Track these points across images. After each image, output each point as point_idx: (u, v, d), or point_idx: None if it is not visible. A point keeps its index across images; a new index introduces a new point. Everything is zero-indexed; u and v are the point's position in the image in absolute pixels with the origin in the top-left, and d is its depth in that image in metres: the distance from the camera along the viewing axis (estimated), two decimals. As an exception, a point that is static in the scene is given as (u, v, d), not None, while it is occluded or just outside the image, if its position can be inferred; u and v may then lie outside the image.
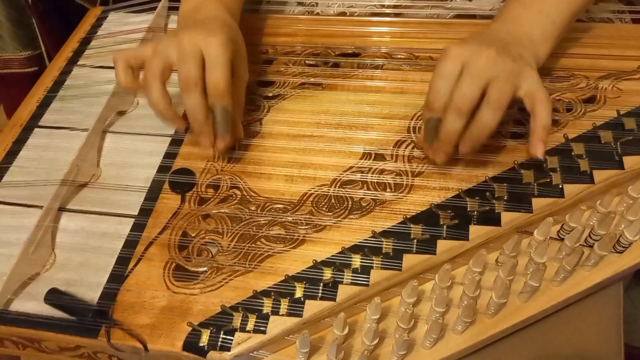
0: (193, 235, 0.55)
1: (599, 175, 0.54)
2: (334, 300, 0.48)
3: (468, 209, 0.53)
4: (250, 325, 0.48)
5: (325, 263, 0.51)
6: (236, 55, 0.56)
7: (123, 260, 0.53)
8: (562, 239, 0.51)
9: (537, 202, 0.53)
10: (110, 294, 0.51)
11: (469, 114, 0.51)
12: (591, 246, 0.51)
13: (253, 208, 0.56)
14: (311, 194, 0.57)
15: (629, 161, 0.55)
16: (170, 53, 0.54)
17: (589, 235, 0.52)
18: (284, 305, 0.49)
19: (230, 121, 0.56)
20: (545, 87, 0.63)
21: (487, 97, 0.51)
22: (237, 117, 0.59)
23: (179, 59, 0.53)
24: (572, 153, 0.56)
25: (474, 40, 0.54)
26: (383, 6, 0.76)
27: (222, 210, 0.56)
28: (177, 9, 0.79)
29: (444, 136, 0.53)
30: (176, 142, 0.63)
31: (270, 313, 0.48)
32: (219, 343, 0.47)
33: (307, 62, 0.71)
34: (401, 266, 0.50)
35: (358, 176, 0.58)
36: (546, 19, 0.58)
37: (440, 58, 0.52)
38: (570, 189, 0.54)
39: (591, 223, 0.53)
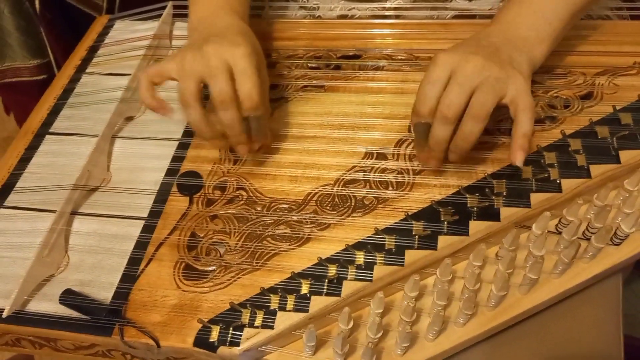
0: (201, 235, 0.56)
1: (596, 169, 0.55)
2: (339, 295, 0.50)
3: (468, 205, 0.55)
4: (258, 321, 0.49)
5: (330, 260, 0.52)
6: (259, 63, 0.57)
7: (134, 261, 0.55)
8: (560, 233, 0.52)
9: (535, 197, 0.54)
10: (122, 293, 0.53)
11: (455, 121, 0.52)
12: (588, 239, 0.52)
13: (259, 208, 0.58)
14: (315, 193, 0.58)
15: (625, 155, 0.56)
16: (198, 69, 0.54)
17: (587, 229, 0.53)
18: (291, 301, 0.50)
19: (265, 126, 0.58)
20: (543, 84, 0.65)
21: (470, 108, 0.51)
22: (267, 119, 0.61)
23: (209, 75, 0.54)
24: (570, 149, 0.58)
25: (464, 46, 0.55)
26: (384, 8, 0.77)
27: (229, 211, 0.58)
28: (182, 16, 0.81)
29: (432, 143, 0.54)
30: (183, 145, 0.65)
31: (277, 309, 0.50)
32: (229, 338, 0.49)
33: (309, 64, 0.72)
34: (403, 262, 0.51)
35: (361, 175, 0.59)
36: (542, 20, 0.58)
37: (430, 65, 0.54)
38: (567, 184, 0.55)
39: (588, 216, 0.54)
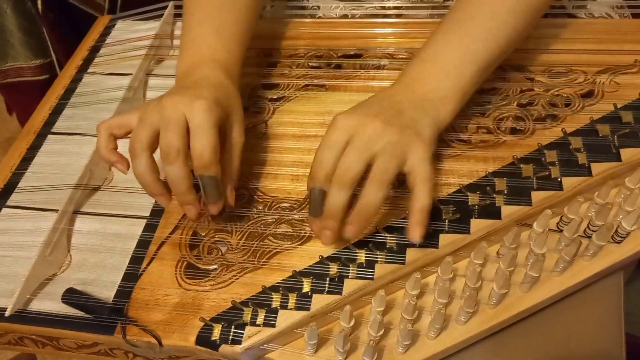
0: (203, 234, 0.56)
1: (597, 167, 0.56)
2: (340, 293, 0.50)
3: (469, 204, 0.55)
4: (260, 320, 0.49)
5: (331, 258, 0.52)
6: (228, 119, 0.54)
7: (136, 260, 0.55)
8: (561, 231, 0.52)
9: (536, 195, 0.54)
10: (124, 292, 0.53)
11: (353, 186, 0.49)
12: (590, 237, 0.52)
13: (260, 207, 0.58)
14: (316, 192, 0.58)
15: (626, 153, 0.56)
16: (153, 120, 0.51)
17: (588, 227, 0.53)
18: (292, 299, 0.50)
19: (221, 189, 0.53)
20: (544, 82, 0.65)
21: (371, 174, 0.49)
22: (229, 183, 0.55)
23: (161, 127, 0.50)
24: (571, 147, 0.58)
25: (365, 108, 0.53)
26: (384, 8, 0.77)
27: (231, 210, 0.58)
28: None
29: (328, 210, 0.50)
30: (185, 145, 0.65)
31: (279, 307, 0.50)
32: (231, 337, 0.49)
33: (310, 64, 0.72)
34: (405, 260, 0.51)
35: (362, 174, 0.59)
36: (446, 77, 0.55)
37: (328, 128, 0.51)
38: (568, 182, 0.55)
39: (589, 214, 0.54)
